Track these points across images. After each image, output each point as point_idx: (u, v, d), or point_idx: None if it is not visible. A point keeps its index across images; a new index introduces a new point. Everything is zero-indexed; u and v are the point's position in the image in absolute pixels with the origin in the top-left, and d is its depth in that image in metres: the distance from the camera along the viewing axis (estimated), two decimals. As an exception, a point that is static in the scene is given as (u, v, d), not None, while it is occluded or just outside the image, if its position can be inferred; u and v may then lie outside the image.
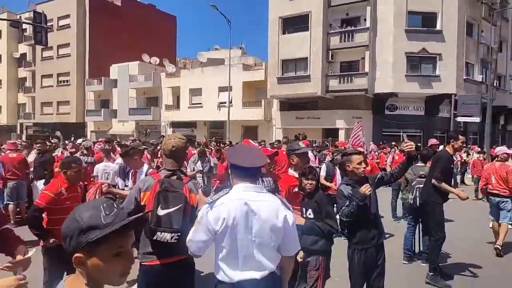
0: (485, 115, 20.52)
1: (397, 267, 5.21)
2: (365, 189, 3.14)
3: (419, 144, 16.75)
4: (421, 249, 5.77)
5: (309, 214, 3.36)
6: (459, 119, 21.43)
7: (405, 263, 5.56)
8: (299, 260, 3.36)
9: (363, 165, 3.43)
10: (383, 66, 22.18)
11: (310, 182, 3.34)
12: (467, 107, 21.08)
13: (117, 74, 34.05)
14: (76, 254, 1.12)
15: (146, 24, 38.47)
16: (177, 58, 42.56)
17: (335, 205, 3.89)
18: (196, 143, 14.60)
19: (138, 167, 4.66)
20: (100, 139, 13.73)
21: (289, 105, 25.63)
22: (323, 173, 6.72)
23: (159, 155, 8.88)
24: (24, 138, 34.99)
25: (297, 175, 3.66)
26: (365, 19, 22.56)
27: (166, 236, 2.51)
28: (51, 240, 3.27)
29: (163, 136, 16.88)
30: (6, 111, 42.32)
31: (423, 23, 22.25)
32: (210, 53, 35.37)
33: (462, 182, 15.44)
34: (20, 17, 34.99)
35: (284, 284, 2.28)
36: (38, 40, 15.39)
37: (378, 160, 13.17)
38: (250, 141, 4.26)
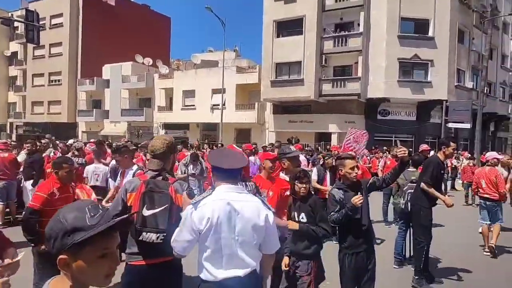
0: (475, 121, 20.83)
1: (388, 272, 5.22)
2: (357, 200, 3.16)
3: (411, 149, 16.87)
4: (412, 253, 5.79)
5: (302, 218, 3.34)
6: (450, 125, 21.70)
7: (395, 268, 5.58)
8: (284, 268, 3.35)
9: (356, 170, 3.44)
10: (376, 71, 22.38)
11: (304, 186, 3.32)
12: (458, 113, 21.36)
13: (109, 74, 33.81)
14: (61, 256, 1.11)
15: (140, 25, 38.32)
16: (171, 59, 42.43)
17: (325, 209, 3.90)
18: (189, 145, 14.55)
19: (127, 166, 4.63)
20: (91, 140, 13.59)
21: (282, 108, 25.70)
22: (314, 176, 6.74)
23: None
24: (14, 137, 34.66)
25: (288, 179, 3.66)
26: (358, 24, 22.76)
27: (152, 237, 2.50)
28: (43, 247, 3.22)
29: (155, 137, 16.73)
30: (-5, 110, 41.81)
31: (416, 29, 22.52)
32: (204, 55, 35.34)
33: (453, 187, 15.58)
34: (12, 15, 34.66)
35: (264, 281, 2.37)
36: (30, 38, 15.25)
37: (370, 165, 13.24)
38: (234, 145, 4.30)
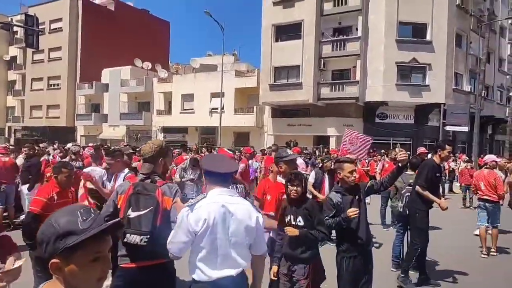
0: (473, 124, 20.88)
1: (386, 275, 5.22)
2: (352, 213, 3.16)
3: (409, 153, 16.86)
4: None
5: (299, 221, 3.26)
6: (448, 128, 21.76)
7: (393, 271, 5.57)
8: (273, 278, 3.34)
9: (354, 174, 3.44)
10: (374, 75, 22.45)
11: (295, 188, 3.24)
12: (456, 117, 21.43)
13: (108, 79, 33.84)
14: (53, 260, 1.11)
15: (139, 29, 38.42)
16: (170, 63, 42.48)
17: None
18: (188, 148, 14.54)
19: (118, 170, 4.62)
20: (90, 144, 13.57)
21: (280, 112, 25.74)
22: (311, 179, 6.73)
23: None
24: (12, 141, 34.61)
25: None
26: (357, 29, 22.85)
27: (136, 239, 2.51)
28: None
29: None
30: (-6, 114, 41.75)
31: (414, 33, 22.61)
32: (202, 59, 35.36)
33: (451, 190, 15.59)
34: (12, 19, 34.68)
35: (258, 282, 2.44)
36: (29, 43, 15.29)
37: (368, 168, 13.23)
38: (225, 149, 4.31)
